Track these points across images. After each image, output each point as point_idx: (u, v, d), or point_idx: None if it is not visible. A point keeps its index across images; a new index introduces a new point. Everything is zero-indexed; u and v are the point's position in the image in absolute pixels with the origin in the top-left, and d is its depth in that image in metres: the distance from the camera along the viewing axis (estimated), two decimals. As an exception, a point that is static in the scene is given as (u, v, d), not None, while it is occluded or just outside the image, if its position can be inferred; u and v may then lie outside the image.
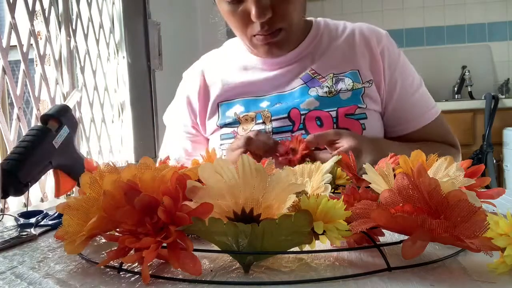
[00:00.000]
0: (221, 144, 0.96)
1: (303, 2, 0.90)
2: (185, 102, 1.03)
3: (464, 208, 0.34)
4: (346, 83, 0.92)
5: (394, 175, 0.42)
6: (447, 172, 0.48)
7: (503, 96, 2.71)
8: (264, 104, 0.95)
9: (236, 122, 0.95)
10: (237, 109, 0.96)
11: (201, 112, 1.01)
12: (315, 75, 0.95)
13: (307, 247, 0.38)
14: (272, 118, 0.92)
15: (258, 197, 0.38)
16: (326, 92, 0.92)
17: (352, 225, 0.37)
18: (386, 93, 0.95)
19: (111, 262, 0.39)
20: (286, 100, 0.94)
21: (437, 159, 0.51)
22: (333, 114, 0.90)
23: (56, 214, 0.61)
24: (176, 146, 1.06)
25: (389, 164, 0.44)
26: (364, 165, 0.45)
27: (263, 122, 0.93)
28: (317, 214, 0.37)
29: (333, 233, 0.36)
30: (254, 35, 0.89)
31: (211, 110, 0.99)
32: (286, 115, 0.92)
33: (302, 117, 0.91)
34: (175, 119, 1.07)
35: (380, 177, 0.43)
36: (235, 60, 1.01)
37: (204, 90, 1.01)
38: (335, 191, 0.63)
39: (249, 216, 0.38)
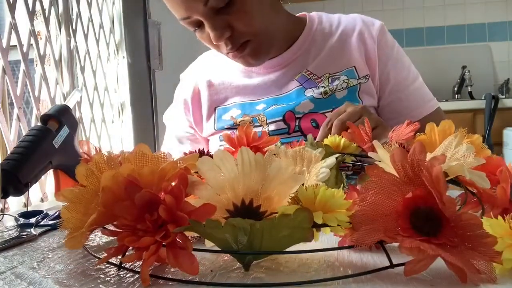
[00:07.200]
0: (220, 145, 0.97)
1: (267, 5, 0.86)
2: (182, 104, 1.04)
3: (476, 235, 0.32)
4: (341, 80, 0.91)
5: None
6: (455, 154, 0.42)
7: (503, 96, 2.71)
8: (260, 107, 0.95)
9: (233, 127, 0.95)
10: (233, 113, 0.96)
11: (196, 114, 1.02)
12: (310, 76, 0.93)
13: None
14: (268, 121, 0.92)
15: (257, 188, 0.37)
16: (321, 93, 0.91)
17: (357, 237, 0.34)
18: (379, 86, 0.94)
19: (111, 262, 0.39)
20: (282, 102, 0.93)
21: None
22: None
23: (56, 214, 0.61)
24: (175, 147, 1.07)
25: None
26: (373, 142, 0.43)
27: (260, 125, 0.93)
28: (315, 204, 0.36)
29: (333, 222, 0.35)
30: (227, 52, 0.88)
31: (208, 113, 1.00)
32: (281, 118, 0.91)
33: (297, 120, 0.90)
34: (174, 120, 1.09)
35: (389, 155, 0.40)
36: (231, 63, 0.99)
37: (199, 93, 1.02)
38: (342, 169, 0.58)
39: (249, 208, 0.37)
